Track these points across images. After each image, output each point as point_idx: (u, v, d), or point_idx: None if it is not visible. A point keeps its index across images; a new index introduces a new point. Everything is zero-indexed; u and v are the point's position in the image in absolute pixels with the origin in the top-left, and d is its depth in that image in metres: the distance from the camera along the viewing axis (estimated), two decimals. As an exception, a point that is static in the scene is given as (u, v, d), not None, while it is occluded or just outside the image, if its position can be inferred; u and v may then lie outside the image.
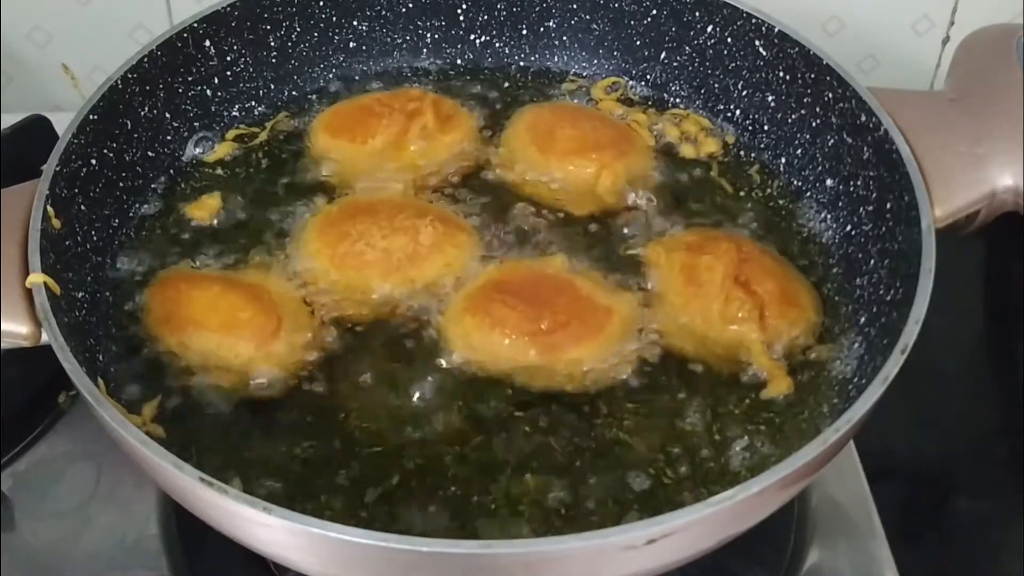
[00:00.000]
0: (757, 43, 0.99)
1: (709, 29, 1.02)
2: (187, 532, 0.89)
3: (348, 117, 1.00)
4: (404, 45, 1.09)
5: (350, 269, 0.87)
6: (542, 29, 1.09)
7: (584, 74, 1.09)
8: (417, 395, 0.82)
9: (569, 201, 0.95)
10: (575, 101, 1.07)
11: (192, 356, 0.83)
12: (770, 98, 1.00)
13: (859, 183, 0.91)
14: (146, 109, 0.95)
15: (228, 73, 1.01)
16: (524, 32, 1.09)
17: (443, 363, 0.83)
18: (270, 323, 0.83)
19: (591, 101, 1.06)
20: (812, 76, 0.95)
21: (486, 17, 1.09)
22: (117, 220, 0.92)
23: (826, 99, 0.94)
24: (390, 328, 0.86)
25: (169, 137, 0.98)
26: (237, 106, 1.03)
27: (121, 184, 0.93)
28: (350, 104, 1.02)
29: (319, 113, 1.03)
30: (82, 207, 0.87)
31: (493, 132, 1.02)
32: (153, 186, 0.96)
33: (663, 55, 1.06)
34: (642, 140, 1.01)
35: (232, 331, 0.82)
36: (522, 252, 0.91)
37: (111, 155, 0.91)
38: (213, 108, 1.01)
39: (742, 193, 0.98)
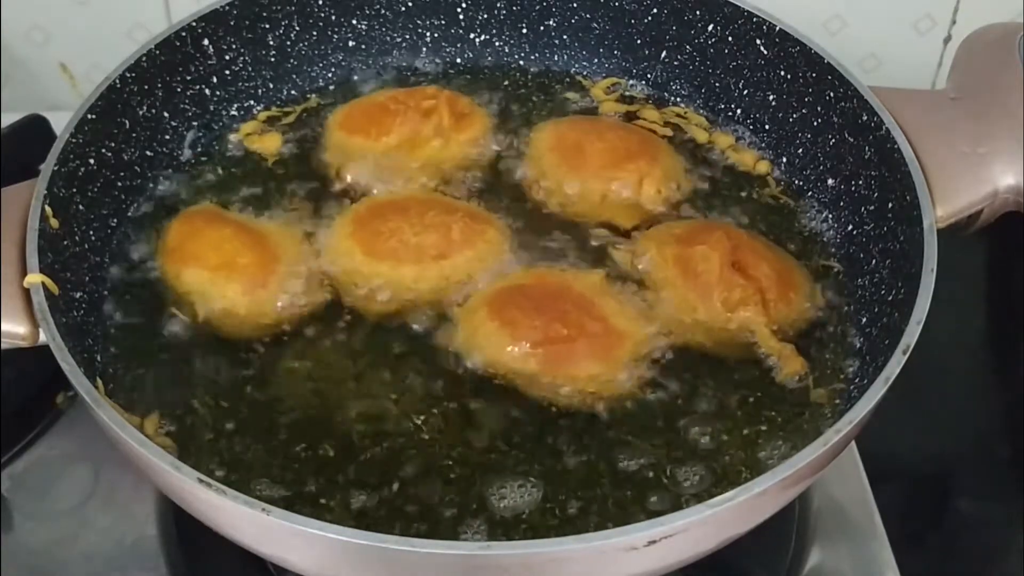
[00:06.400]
0: (758, 42, 0.98)
1: (710, 28, 1.01)
2: (185, 533, 0.88)
3: (363, 114, 1.00)
4: (403, 44, 1.09)
5: (384, 267, 0.87)
6: (542, 28, 1.08)
7: (584, 73, 1.09)
8: (413, 388, 0.82)
9: (613, 215, 0.94)
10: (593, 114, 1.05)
11: (183, 289, 0.86)
12: (771, 97, 1.00)
13: (860, 182, 0.91)
14: (144, 108, 0.94)
15: (227, 72, 1.01)
16: (524, 31, 1.09)
17: (449, 358, 0.84)
18: (263, 271, 0.86)
19: (592, 102, 1.06)
20: (813, 75, 0.94)
21: (486, 16, 1.08)
22: (115, 220, 0.92)
23: (827, 98, 0.93)
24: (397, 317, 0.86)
25: (168, 136, 0.98)
26: (236, 105, 1.03)
27: (119, 184, 0.93)
28: (365, 101, 1.02)
29: (333, 111, 1.03)
30: (80, 207, 0.87)
31: (501, 132, 1.01)
32: (151, 185, 0.96)
33: (664, 54, 1.05)
34: (663, 142, 1.00)
35: (225, 272, 0.85)
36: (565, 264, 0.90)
37: (109, 154, 0.91)
38: (212, 107, 1.01)
39: (743, 193, 0.98)
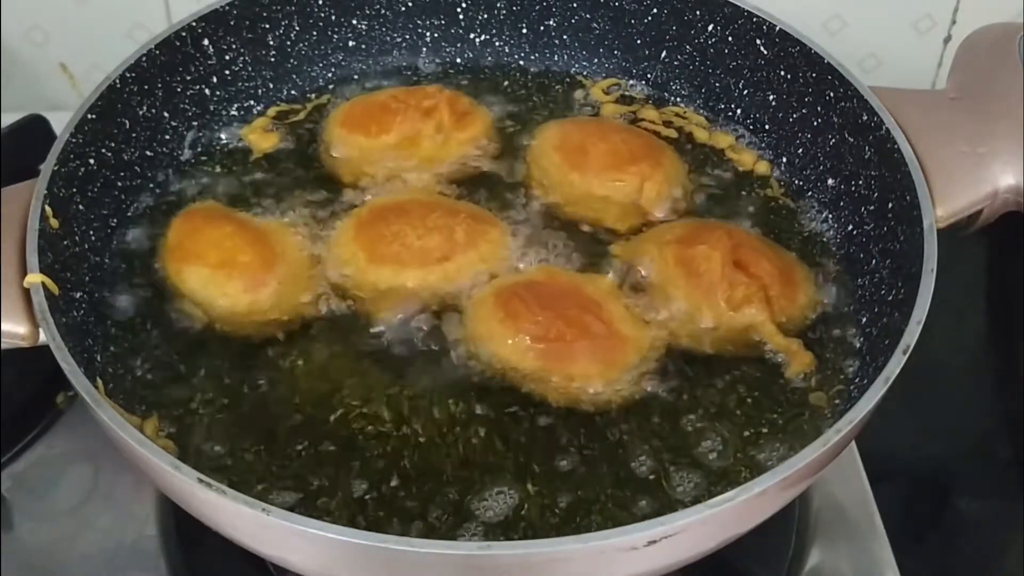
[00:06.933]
0: (758, 42, 0.98)
1: (710, 28, 1.01)
2: (185, 533, 0.88)
3: (363, 112, 1.00)
4: (403, 44, 1.09)
5: (387, 270, 0.87)
6: (542, 28, 1.08)
7: (584, 73, 1.09)
8: (414, 388, 0.82)
9: (613, 217, 0.94)
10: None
11: (183, 287, 0.86)
12: (771, 97, 1.00)
13: (860, 183, 0.91)
14: (144, 108, 0.94)
15: (227, 72, 1.01)
16: (524, 31, 1.09)
17: (451, 355, 0.84)
18: (263, 269, 0.86)
19: (593, 102, 1.06)
20: (813, 75, 0.94)
21: (486, 16, 1.08)
22: (115, 220, 0.92)
23: (827, 98, 0.93)
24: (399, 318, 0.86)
25: (167, 136, 0.98)
26: (236, 105, 1.03)
27: (119, 183, 0.93)
28: (366, 99, 1.02)
29: (334, 108, 1.03)
30: (80, 207, 0.87)
31: (501, 132, 1.01)
32: (151, 185, 0.96)
33: (664, 54, 1.05)
34: (667, 145, 1.00)
35: (226, 270, 0.85)
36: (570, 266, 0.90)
37: (109, 154, 0.91)
38: (212, 107, 1.01)
39: (743, 193, 0.98)
